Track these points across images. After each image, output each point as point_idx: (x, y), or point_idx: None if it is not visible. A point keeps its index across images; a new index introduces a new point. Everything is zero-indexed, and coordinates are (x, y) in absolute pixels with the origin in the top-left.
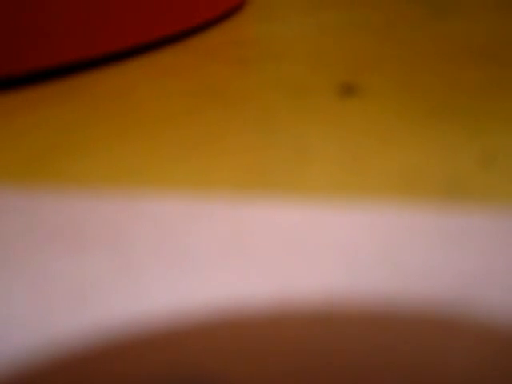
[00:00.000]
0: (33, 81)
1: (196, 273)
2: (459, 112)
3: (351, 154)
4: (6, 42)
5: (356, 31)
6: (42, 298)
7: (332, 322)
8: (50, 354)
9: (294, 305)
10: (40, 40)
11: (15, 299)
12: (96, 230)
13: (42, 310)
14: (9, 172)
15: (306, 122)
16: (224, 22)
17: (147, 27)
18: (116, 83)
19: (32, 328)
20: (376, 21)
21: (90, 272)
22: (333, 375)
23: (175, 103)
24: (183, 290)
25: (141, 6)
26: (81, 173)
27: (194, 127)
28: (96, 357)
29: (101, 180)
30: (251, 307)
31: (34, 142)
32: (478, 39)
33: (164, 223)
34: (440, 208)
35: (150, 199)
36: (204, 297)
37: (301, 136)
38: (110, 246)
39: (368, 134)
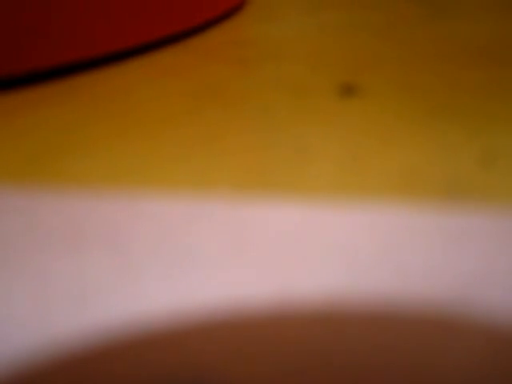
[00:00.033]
0: (33, 81)
1: (196, 273)
2: (459, 112)
3: (351, 154)
4: (6, 42)
5: (356, 31)
6: (41, 298)
7: (332, 322)
8: (49, 354)
9: (294, 305)
10: (40, 40)
11: (15, 299)
12: (96, 230)
13: (42, 310)
14: (9, 172)
15: (306, 122)
16: (224, 22)
17: (147, 27)
18: (116, 83)
19: (32, 328)
20: (376, 21)
21: (90, 272)
22: (333, 375)
23: (175, 103)
24: (183, 290)
25: (141, 7)
26: (81, 173)
27: (194, 127)
28: (96, 357)
29: (101, 180)
30: (251, 307)
31: (34, 142)
32: (478, 39)
33: (164, 223)
34: (440, 208)
35: (150, 199)
36: (204, 297)
37: (301, 136)
38: (110, 245)
39: (368, 134)
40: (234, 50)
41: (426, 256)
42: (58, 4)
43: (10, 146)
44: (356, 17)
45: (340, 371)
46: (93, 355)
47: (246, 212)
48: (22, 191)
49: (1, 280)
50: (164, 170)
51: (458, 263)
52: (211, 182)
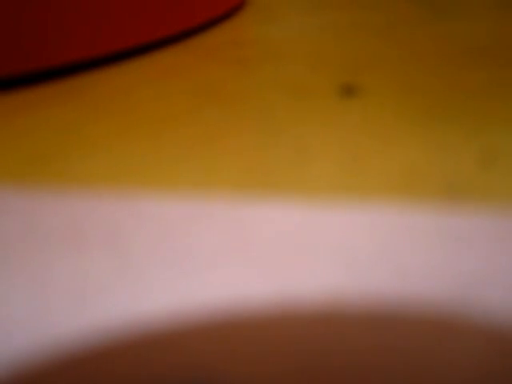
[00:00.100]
0: (33, 81)
1: (196, 273)
2: (459, 112)
3: (351, 154)
4: (6, 42)
5: (356, 31)
6: (41, 298)
7: (332, 322)
8: (49, 354)
9: (293, 305)
10: (40, 40)
11: (15, 299)
12: (96, 230)
13: (42, 310)
14: (9, 172)
15: (306, 122)
16: (224, 22)
17: (148, 27)
18: (116, 83)
19: (32, 328)
20: (376, 21)
21: (90, 272)
22: (333, 375)
23: (175, 103)
24: (183, 290)
25: (141, 7)
26: (81, 173)
27: (194, 127)
28: (96, 357)
29: (101, 180)
30: (251, 307)
31: (35, 142)
32: (478, 39)
33: (164, 223)
34: (440, 208)
35: (150, 199)
36: (204, 297)
37: (301, 136)
38: (110, 246)
39: (368, 134)
40: (233, 50)
41: (426, 256)
42: (58, 4)
43: (10, 146)
44: (356, 17)
45: (340, 371)
46: (93, 355)
47: (246, 212)
48: (22, 191)
49: (1, 280)
50: (164, 170)
51: (458, 263)
52: (211, 182)
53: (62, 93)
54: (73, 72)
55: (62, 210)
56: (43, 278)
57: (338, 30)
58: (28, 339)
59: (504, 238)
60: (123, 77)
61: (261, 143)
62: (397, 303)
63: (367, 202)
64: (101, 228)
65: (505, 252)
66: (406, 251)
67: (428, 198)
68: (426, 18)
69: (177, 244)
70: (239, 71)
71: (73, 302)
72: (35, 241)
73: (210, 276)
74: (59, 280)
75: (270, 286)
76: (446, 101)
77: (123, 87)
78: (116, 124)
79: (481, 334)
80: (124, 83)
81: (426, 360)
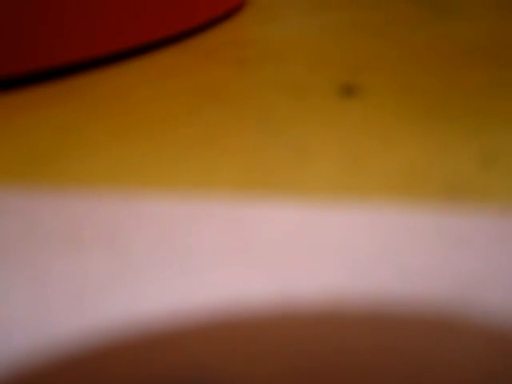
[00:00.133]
0: (33, 81)
1: (196, 273)
2: (459, 112)
3: (351, 154)
4: (6, 42)
5: (356, 31)
6: (41, 298)
7: (332, 322)
8: (49, 354)
9: (294, 305)
10: (40, 40)
11: (15, 299)
12: (96, 230)
13: (42, 310)
14: (9, 172)
15: (305, 122)
16: (224, 22)
17: (148, 27)
18: (116, 83)
19: (32, 328)
20: (376, 21)
21: (90, 272)
22: (333, 375)
23: (175, 103)
24: (183, 290)
25: (141, 7)
26: (81, 173)
27: (194, 127)
28: (96, 357)
29: (101, 180)
30: (251, 307)
31: (34, 142)
32: (479, 39)
33: (164, 223)
34: (440, 208)
35: (149, 199)
36: (204, 297)
37: (301, 136)
38: (110, 245)
39: (368, 134)
40: (233, 50)
41: (426, 256)
42: (58, 4)
43: (10, 146)
44: (356, 17)
45: (340, 371)
46: (93, 355)
47: (246, 212)
48: (22, 191)
49: (1, 280)
50: (164, 170)
51: (458, 263)
52: (211, 182)
53: (62, 93)
54: (73, 72)
55: (61, 210)
56: (43, 278)
57: (338, 30)
58: (28, 339)
59: (504, 238)
60: (123, 77)
61: (261, 143)
62: (397, 303)
63: (367, 201)
64: (100, 228)
65: (505, 252)
66: (406, 251)
67: (428, 198)
68: (426, 18)
69: (177, 244)
70: (239, 71)
71: (73, 302)
72: (35, 241)
73: (210, 276)
74: (59, 280)
75: (270, 286)
76: (446, 101)
77: (123, 87)
78: (116, 124)
79: (481, 334)
80: (124, 83)
81: (426, 360)
